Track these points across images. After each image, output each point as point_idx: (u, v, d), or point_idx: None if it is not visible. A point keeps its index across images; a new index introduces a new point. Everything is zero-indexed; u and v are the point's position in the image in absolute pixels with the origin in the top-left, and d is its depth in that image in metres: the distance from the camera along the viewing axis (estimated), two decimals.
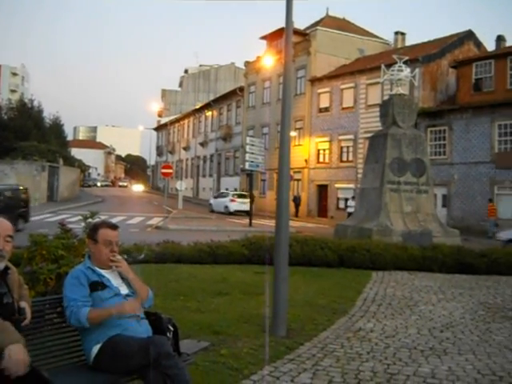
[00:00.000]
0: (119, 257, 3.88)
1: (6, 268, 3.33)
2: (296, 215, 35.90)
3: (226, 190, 43.36)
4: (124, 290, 3.82)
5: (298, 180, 39.53)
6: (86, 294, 3.65)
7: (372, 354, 5.62)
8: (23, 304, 3.38)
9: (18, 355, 2.76)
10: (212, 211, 36.65)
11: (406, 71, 17.31)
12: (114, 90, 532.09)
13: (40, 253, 5.98)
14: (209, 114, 58.86)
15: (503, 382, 4.85)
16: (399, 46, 41.31)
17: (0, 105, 52.74)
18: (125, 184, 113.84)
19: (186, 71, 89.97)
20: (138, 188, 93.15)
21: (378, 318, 7.28)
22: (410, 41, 44.12)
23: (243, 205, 33.80)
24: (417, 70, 19.31)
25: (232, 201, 36.10)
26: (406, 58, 18.60)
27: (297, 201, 37.14)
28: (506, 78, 27.84)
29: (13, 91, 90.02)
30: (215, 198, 39.25)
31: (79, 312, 3.53)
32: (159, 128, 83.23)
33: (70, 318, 3.60)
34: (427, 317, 7.47)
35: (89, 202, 43.62)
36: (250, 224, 25.47)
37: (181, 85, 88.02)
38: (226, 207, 36.06)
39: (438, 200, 27.47)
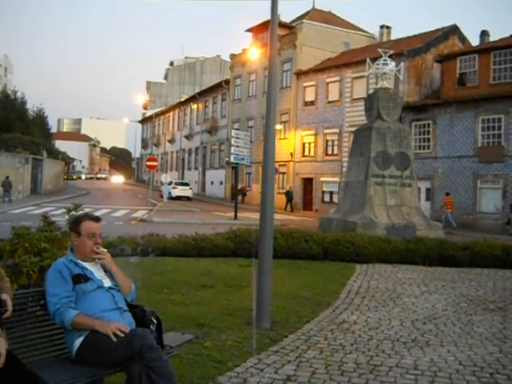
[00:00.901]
0: (103, 249, 3.86)
1: None
2: (291, 209, 35.78)
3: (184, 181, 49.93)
4: (107, 283, 3.80)
5: (283, 173, 39.59)
6: (68, 288, 3.62)
7: (355, 345, 5.66)
8: (4, 296, 3.36)
9: None
10: (161, 197, 40.65)
11: (391, 65, 17.37)
12: (98, 82, 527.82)
13: (23, 245, 5.93)
14: (194, 106, 58.64)
15: (484, 372, 4.92)
16: (384, 39, 41.44)
17: None
18: (103, 176, 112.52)
19: (171, 63, 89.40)
20: (117, 179, 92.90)
21: (361, 311, 7.33)
22: (395, 35, 44.31)
23: (184, 191, 42.63)
24: (402, 64, 19.39)
25: (174, 188, 43.57)
26: (392, 51, 18.70)
27: (290, 195, 36.83)
28: (490, 73, 28.05)
29: None
30: (166, 187, 43.89)
31: (65, 313, 3.52)
32: (144, 120, 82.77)
33: (53, 315, 3.58)
34: (410, 309, 7.54)
35: (73, 194, 43.33)
36: (236, 217, 25.47)
37: (166, 77, 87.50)
38: (170, 193, 42.21)
39: (421, 193, 27.72)
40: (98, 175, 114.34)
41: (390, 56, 17.94)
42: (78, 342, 3.53)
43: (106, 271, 3.90)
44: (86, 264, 3.81)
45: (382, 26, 43.33)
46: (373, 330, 6.31)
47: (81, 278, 3.69)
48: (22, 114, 52.07)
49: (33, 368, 3.04)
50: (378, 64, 17.40)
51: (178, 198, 42.05)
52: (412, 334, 6.18)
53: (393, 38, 41.71)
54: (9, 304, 3.37)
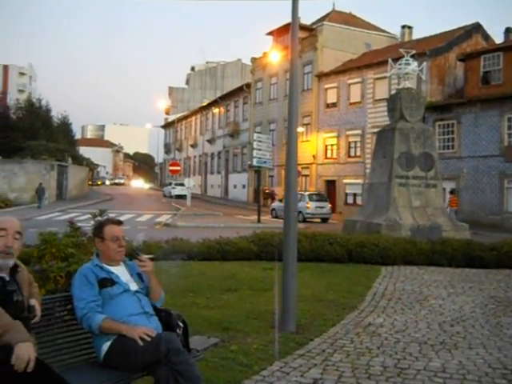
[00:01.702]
0: (146, 257, 3.89)
1: (16, 266, 3.35)
2: None
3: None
4: (133, 287, 3.83)
5: (305, 176, 39.50)
6: (94, 292, 3.66)
7: (382, 348, 5.61)
8: (33, 302, 3.41)
9: (25, 353, 2.79)
10: (164, 196, 52.06)
11: (414, 65, 17.20)
12: (121, 88, 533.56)
13: (50, 251, 6.01)
14: (216, 110, 58.86)
15: None
16: (406, 39, 41.10)
17: (8, 105, 53.02)
18: (122, 181, 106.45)
19: (192, 68, 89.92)
20: (137, 184, 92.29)
21: (387, 313, 7.26)
22: (417, 34, 44.00)
23: (182, 191, 45.82)
24: (424, 64, 19.20)
25: (173, 188, 50.77)
26: (414, 51, 18.48)
27: None
28: None
29: (21, 91, 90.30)
30: (167, 187, 54.63)
31: (93, 318, 3.55)
32: (167, 126, 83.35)
33: (81, 320, 3.62)
34: (437, 311, 7.45)
35: (97, 200, 43.80)
36: (259, 220, 25.48)
37: (187, 82, 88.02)
38: (170, 192, 51.03)
39: (446, 194, 27.35)
40: (116, 180, 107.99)
41: (412, 56, 17.74)
42: (106, 346, 3.56)
43: (133, 274, 3.93)
44: (111, 268, 3.85)
45: (403, 26, 43.00)
46: (399, 333, 6.24)
47: (107, 282, 3.73)
48: (46, 121, 52.87)
49: (61, 372, 3.07)
50: (400, 64, 17.25)
51: (179, 196, 45.81)
52: (440, 337, 6.10)
53: (414, 37, 41.36)
54: (38, 309, 3.41)
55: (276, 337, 5.62)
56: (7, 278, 3.25)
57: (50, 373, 2.92)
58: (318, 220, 29.33)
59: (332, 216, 30.27)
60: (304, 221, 27.85)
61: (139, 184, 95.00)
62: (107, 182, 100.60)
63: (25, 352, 2.79)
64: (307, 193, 31.66)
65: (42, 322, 3.52)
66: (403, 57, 17.26)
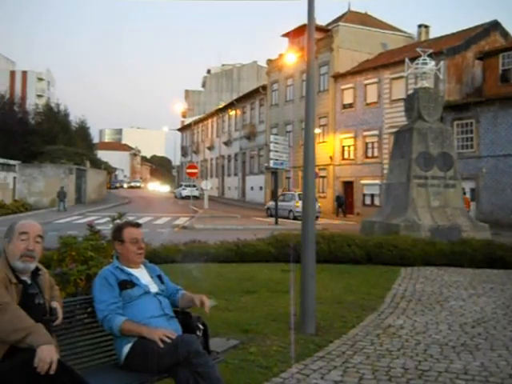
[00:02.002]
0: (205, 298, 3.93)
1: (37, 269, 3.39)
2: (343, 215, 34.67)
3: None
4: (154, 289, 3.85)
5: (323, 177, 39.40)
6: (115, 294, 3.69)
7: (402, 350, 5.56)
8: (55, 304, 3.44)
9: (48, 355, 2.82)
10: (175, 197, 57.12)
11: (431, 64, 17.06)
12: (138, 92, 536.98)
13: (70, 254, 6.07)
14: (232, 113, 58.98)
15: None
16: (423, 39, 40.81)
17: (27, 110, 53.65)
18: (138, 184, 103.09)
19: (208, 71, 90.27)
20: (154, 187, 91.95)
21: (407, 315, 7.20)
22: (433, 33, 43.68)
23: (191, 192, 46.85)
24: (441, 63, 19.02)
25: (183, 189, 55.71)
26: (431, 50, 18.36)
27: (340, 200, 35.90)
28: None
29: (39, 96, 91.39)
30: (178, 189, 60.72)
31: (113, 320, 3.57)
32: (183, 128, 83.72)
33: (102, 322, 3.65)
34: (458, 312, 7.37)
35: (116, 203, 44.14)
36: (276, 222, 25.47)
37: (204, 85, 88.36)
38: (180, 194, 55.96)
39: (466, 194, 27.06)
40: (132, 183, 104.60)
41: (430, 55, 17.62)
42: (127, 348, 3.58)
43: (153, 277, 3.96)
44: (131, 270, 3.87)
45: (420, 26, 42.71)
46: (420, 335, 6.19)
47: (127, 284, 3.75)
48: (65, 125, 53.46)
49: (82, 375, 3.09)
50: (417, 64, 17.12)
51: (188, 197, 47.41)
52: (461, 338, 6.03)
53: (431, 36, 41.06)
54: (59, 312, 3.45)
55: (292, 339, 5.61)
56: (29, 282, 3.29)
57: (72, 375, 2.94)
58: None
59: (319, 214, 30.15)
60: (294, 218, 29.45)
61: (156, 187, 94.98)
62: (125, 185, 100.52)
63: (47, 354, 2.81)
64: (297, 193, 32.62)
65: (62, 325, 3.55)
66: (420, 56, 17.13)
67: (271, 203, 32.79)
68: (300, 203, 28.26)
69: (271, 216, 30.60)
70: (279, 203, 33.84)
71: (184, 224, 25.14)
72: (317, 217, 29.75)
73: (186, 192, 52.75)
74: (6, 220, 25.59)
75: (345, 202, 36.26)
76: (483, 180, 28.41)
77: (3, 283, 3.07)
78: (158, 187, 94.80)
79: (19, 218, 25.24)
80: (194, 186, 54.60)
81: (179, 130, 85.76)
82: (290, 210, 31.39)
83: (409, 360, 5.23)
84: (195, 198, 48.39)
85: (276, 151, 26.90)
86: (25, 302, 3.13)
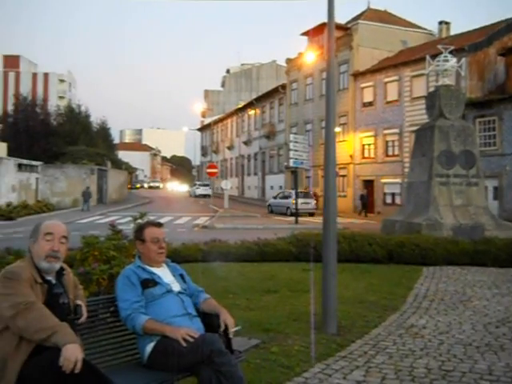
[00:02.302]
0: (229, 318, 3.87)
1: (61, 269, 3.43)
2: (365, 214, 34.26)
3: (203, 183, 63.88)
4: (176, 287, 3.87)
5: (343, 176, 39.19)
6: (138, 293, 3.72)
7: (425, 350, 5.51)
8: (79, 303, 3.48)
9: (73, 354, 2.85)
10: (190, 196, 60.40)
11: (452, 61, 16.86)
12: (157, 93, 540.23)
13: (92, 254, 6.12)
14: (252, 112, 59.01)
15: None
16: (444, 35, 40.38)
17: (49, 111, 54.34)
18: (157, 185, 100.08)
19: (227, 71, 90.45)
20: (173, 187, 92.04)
21: (430, 314, 7.13)
22: (454, 30, 43.23)
23: (204, 191, 55.29)
24: (463, 60, 18.72)
25: (197, 188, 59.92)
26: (452, 47, 18.13)
27: (364, 199, 35.49)
28: None
29: (61, 97, 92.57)
30: (192, 188, 64.55)
31: (136, 319, 3.60)
32: (203, 128, 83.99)
33: (125, 320, 3.68)
34: (482, 312, 7.28)
35: (137, 203, 44.45)
36: (296, 221, 25.43)
37: (223, 85, 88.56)
38: (194, 192, 59.65)
39: (489, 192, 26.73)
40: (151, 183, 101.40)
41: (451, 52, 17.40)
42: (150, 347, 3.60)
43: (175, 275, 3.98)
44: (153, 269, 3.90)
45: (440, 22, 42.26)
46: (443, 335, 6.12)
47: (149, 283, 3.77)
48: (86, 126, 54.05)
49: (106, 373, 3.12)
50: (438, 61, 16.94)
51: (202, 195, 56.31)
52: (485, 338, 5.95)
53: (452, 33, 40.60)
54: (83, 311, 3.49)
55: (312, 339, 5.59)
56: (53, 281, 3.33)
57: (97, 374, 2.97)
58: (306, 214, 32.76)
59: (315, 211, 33.62)
60: (291, 214, 30.94)
61: (174, 186, 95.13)
62: (145, 185, 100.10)
63: (72, 353, 2.84)
64: (294, 191, 33.64)
65: (85, 324, 3.58)
66: (441, 53, 16.95)
67: (272, 200, 37.33)
68: (296, 200, 31.78)
69: (272, 212, 35.15)
70: (278, 200, 36.44)
71: (204, 223, 25.23)
72: (311, 213, 32.76)
73: (199, 191, 58.37)
74: (29, 220, 25.96)
75: (368, 202, 35.94)
76: (507, 178, 28.00)
77: (29, 283, 3.12)
78: (177, 187, 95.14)
79: (42, 218, 25.58)
80: (207, 185, 59.52)
81: (199, 129, 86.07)
82: (288, 207, 33.36)
83: (432, 360, 5.18)
84: (208, 196, 52.59)
85: (296, 150, 26.86)
86: (50, 301, 3.17)
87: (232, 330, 3.80)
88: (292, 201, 32.10)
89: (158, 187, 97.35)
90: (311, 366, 4.98)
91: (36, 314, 2.96)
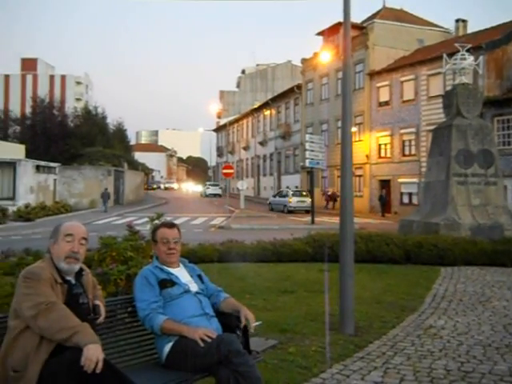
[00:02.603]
0: (250, 314, 3.90)
1: (81, 269, 3.46)
2: (382, 214, 34.04)
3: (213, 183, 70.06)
4: (194, 288, 3.89)
5: (359, 176, 39.00)
6: (156, 293, 3.74)
7: (444, 351, 5.47)
8: (98, 303, 3.51)
9: (94, 354, 2.87)
10: (201, 196, 63.37)
11: (470, 59, 16.71)
12: (173, 94, 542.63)
13: (110, 254, 6.16)
14: (267, 112, 59.00)
15: None
16: (461, 33, 39.99)
17: (66, 113, 54.85)
18: (172, 186, 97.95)
19: (243, 71, 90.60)
20: (187, 187, 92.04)
21: (449, 315, 7.07)
22: (471, 28, 42.67)
23: (214, 191, 59.82)
24: (481, 58, 18.58)
25: (207, 188, 63.95)
26: (469, 45, 17.96)
27: (383, 200, 35.27)
28: None
29: (78, 99, 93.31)
30: (203, 188, 68.36)
31: (154, 319, 3.62)
32: (218, 129, 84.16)
33: (143, 320, 3.71)
34: (501, 313, 7.20)
35: (153, 204, 44.65)
36: (313, 221, 25.37)
37: (238, 85, 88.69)
38: (205, 192, 63.41)
39: (508, 192, 26.40)
40: (166, 184, 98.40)
41: (468, 50, 17.23)
42: (168, 347, 3.62)
43: (193, 276, 3.99)
44: (171, 269, 3.92)
45: (457, 20, 41.86)
46: (462, 335, 6.07)
47: (167, 283, 3.80)
48: (103, 128, 54.48)
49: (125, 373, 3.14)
50: (455, 59, 16.79)
51: (212, 194, 60.96)
52: (505, 339, 5.89)
53: (469, 31, 40.20)
54: (102, 311, 3.51)
55: (330, 340, 5.57)
56: (73, 282, 3.36)
57: (118, 374, 2.99)
58: (302, 212, 34.31)
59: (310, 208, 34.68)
60: (288, 212, 34.96)
61: (189, 186, 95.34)
62: (162, 186, 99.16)
63: (93, 353, 2.87)
64: (291, 190, 38.95)
65: (104, 324, 3.61)
66: (458, 51, 16.80)
67: (272, 198, 40.33)
68: (292, 199, 36.09)
69: (272, 210, 37.75)
70: (277, 199, 38.94)
71: (220, 224, 25.28)
72: (307, 211, 32.59)
73: (209, 190, 62.96)
74: (47, 221, 26.22)
75: (387, 202, 35.64)
76: None
77: (49, 283, 3.15)
78: (192, 187, 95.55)
79: (60, 219, 25.82)
80: (217, 184, 65.96)
81: (214, 130, 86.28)
82: (285, 205, 36.30)
83: (451, 361, 5.13)
84: (218, 195, 59.53)
85: (312, 150, 26.78)
86: (70, 301, 3.20)
87: (253, 324, 3.81)
88: (289, 199, 35.98)
89: (173, 188, 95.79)
90: (329, 366, 4.96)
91: (57, 314, 2.99)
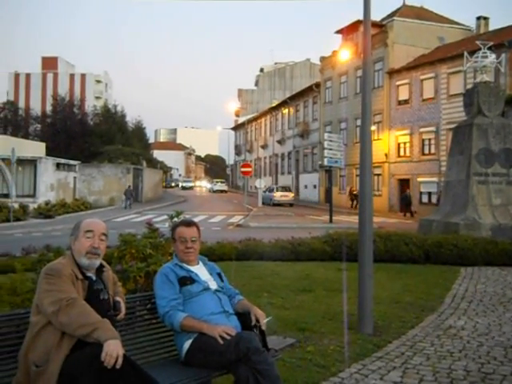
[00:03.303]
0: (260, 313, 3.90)
1: (101, 265, 3.49)
2: (410, 215, 33.27)
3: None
4: (213, 285, 3.91)
5: (378, 175, 38.72)
6: (175, 290, 3.76)
7: (464, 352, 5.41)
8: (118, 299, 3.54)
9: (114, 350, 2.90)
10: (209, 191, 70.80)
11: (491, 57, 16.49)
12: (192, 92, 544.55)
13: (129, 252, 6.18)
14: (285, 111, 58.91)
15: None
16: (482, 31, 39.45)
17: (86, 111, 55.38)
18: (190, 185, 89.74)
19: (261, 70, 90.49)
20: (201, 184, 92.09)
21: (469, 316, 7.00)
22: (493, 25, 42.16)
23: (220, 187, 67.11)
24: (503, 56, 18.34)
25: (214, 185, 72.02)
26: (491, 43, 17.73)
27: (407, 199, 34.73)
28: None
29: (97, 98, 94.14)
30: (211, 185, 77.40)
31: (174, 316, 3.64)
32: (237, 127, 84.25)
33: (163, 317, 3.73)
34: None
35: (172, 202, 44.87)
36: (331, 220, 25.29)
37: (257, 84, 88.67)
38: (212, 188, 71.79)
39: None
40: (184, 183, 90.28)
41: (490, 48, 17.01)
42: (187, 344, 3.64)
43: (212, 274, 4.01)
44: (190, 267, 3.94)
45: (478, 18, 41.30)
46: (482, 336, 6.00)
47: (186, 281, 3.82)
48: (122, 126, 54.88)
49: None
50: (476, 57, 16.58)
51: (220, 191, 67.80)
52: None
53: (491, 28, 39.66)
54: (122, 307, 3.54)
55: (345, 339, 5.55)
56: (94, 278, 3.39)
57: (137, 369, 3.02)
58: (286, 205, 41.65)
59: (293, 202, 43.19)
60: (274, 205, 41.11)
61: (204, 184, 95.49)
62: (180, 184, 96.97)
63: (114, 349, 2.89)
64: (275, 186, 47.48)
65: (123, 321, 3.65)
66: (480, 49, 16.59)
67: (262, 193, 44.13)
68: (277, 194, 42.94)
69: (263, 204, 41.97)
70: (266, 193, 44.44)
71: (238, 222, 25.32)
72: (291, 204, 41.92)
73: (216, 187, 70.81)
74: (67, 218, 26.51)
75: (411, 202, 35.06)
76: None
77: (70, 279, 3.18)
78: (206, 184, 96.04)
79: (80, 216, 26.09)
80: (224, 181, 75.96)
81: (233, 128, 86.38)
82: (271, 199, 42.52)
83: (471, 362, 5.08)
84: (224, 191, 68.23)
85: (330, 149, 26.68)
86: (90, 297, 3.24)
87: (264, 321, 3.82)
88: (274, 194, 43.02)
89: (191, 187, 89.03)
90: (347, 366, 4.94)
91: (78, 310, 3.02)
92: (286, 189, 45.24)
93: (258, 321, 3.82)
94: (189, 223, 4.13)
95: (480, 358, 5.23)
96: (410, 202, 34.61)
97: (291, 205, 42.01)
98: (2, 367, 3.14)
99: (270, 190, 44.93)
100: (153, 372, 3.23)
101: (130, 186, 37.44)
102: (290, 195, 43.66)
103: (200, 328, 3.58)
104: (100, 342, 2.93)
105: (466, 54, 17.51)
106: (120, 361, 2.88)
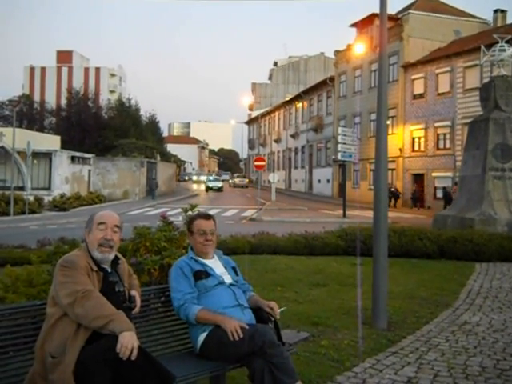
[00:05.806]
0: (273, 303, 3.92)
1: (116, 258, 3.50)
2: (418, 208, 33.93)
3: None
4: (228, 279, 3.90)
5: (392, 170, 38.49)
6: (190, 284, 3.76)
7: (479, 348, 5.37)
8: (133, 292, 3.56)
9: (129, 341, 2.91)
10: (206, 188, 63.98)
11: (509, 51, 16.31)
12: (205, 86, 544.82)
13: (144, 244, 6.21)
14: (299, 105, 58.75)
15: None
16: (499, 24, 38.93)
17: (100, 105, 55.61)
18: (219, 185, 72.56)
19: (275, 64, 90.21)
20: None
21: (484, 312, 6.94)
22: (511, 18, 41.57)
23: (217, 184, 61.78)
24: None
25: (210, 181, 64.91)
26: (509, 36, 17.54)
27: (414, 194, 35.34)
28: None
29: (111, 91, 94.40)
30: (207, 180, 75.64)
31: (190, 308, 3.65)
32: (250, 121, 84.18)
33: (178, 310, 3.73)
34: None
35: (185, 195, 45.00)
36: (344, 215, 25.20)
37: (270, 77, 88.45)
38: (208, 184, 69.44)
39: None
40: (211, 183, 70.47)
41: (507, 41, 16.84)
42: (202, 337, 3.64)
43: (227, 268, 4.00)
44: (206, 261, 3.94)
45: (495, 11, 40.77)
46: (498, 332, 5.95)
47: (201, 274, 3.82)
48: (136, 120, 55.01)
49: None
50: (493, 51, 16.41)
51: (240, 186, 68.62)
52: None
53: (509, 21, 39.15)
54: (138, 300, 3.56)
55: (363, 333, 5.52)
56: (109, 270, 3.40)
57: (152, 361, 3.03)
58: (242, 187, 60.30)
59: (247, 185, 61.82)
60: (234, 186, 62.66)
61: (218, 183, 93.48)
62: (194, 178, 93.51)
63: (129, 340, 2.91)
64: (236, 174, 67.42)
65: (138, 313, 3.65)
66: (497, 43, 16.43)
67: (224, 176, 64.70)
68: (236, 179, 68.99)
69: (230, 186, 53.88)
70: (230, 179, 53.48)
71: (252, 216, 25.33)
72: (247, 186, 50.80)
73: (211, 184, 67.75)
74: (81, 211, 26.71)
75: (417, 197, 35.34)
76: None
77: (85, 271, 3.20)
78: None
79: (94, 209, 26.24)
80: (217, 179, 73.82)
81: (246, 122, 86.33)
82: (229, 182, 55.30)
83: (486, 358, 5.04)
84: (245, 187, 71.32)
85: (344, 143, 26.56)
86: (106, 289, 3.25)
87: (278, 311, 3.83)
88: (235, 179, 68.41)
89: (219, 189, 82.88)
90: (361, 360, 4.93)
91: (93, 301, 3.04)
92: (243, 176, 71.04)
93: (271, 311, 3.82)
94: (207, 216, 4.12)
95: (495, 354, 5.19)
96: (417, 198, 34.98)
97: (246, 187, 63.10)
98: (18, 358, 3.17)
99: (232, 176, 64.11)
100: (168, 364, 3.23)
101: (154, 178, 40.10)
102: (245, 180, 68.40)
103: (215, 320, 3.58)
104: (115, 333, 2.94)
105: (482, 47, 17.38)
106: (135, 352, 2.89)
